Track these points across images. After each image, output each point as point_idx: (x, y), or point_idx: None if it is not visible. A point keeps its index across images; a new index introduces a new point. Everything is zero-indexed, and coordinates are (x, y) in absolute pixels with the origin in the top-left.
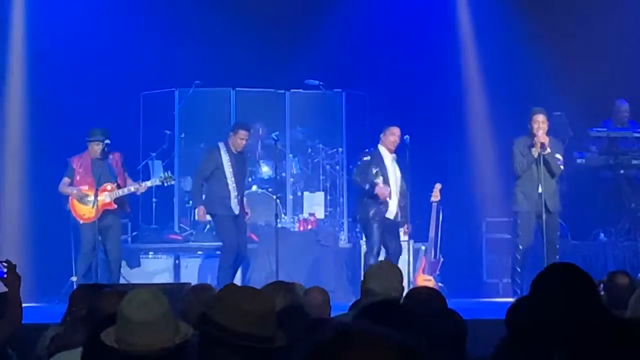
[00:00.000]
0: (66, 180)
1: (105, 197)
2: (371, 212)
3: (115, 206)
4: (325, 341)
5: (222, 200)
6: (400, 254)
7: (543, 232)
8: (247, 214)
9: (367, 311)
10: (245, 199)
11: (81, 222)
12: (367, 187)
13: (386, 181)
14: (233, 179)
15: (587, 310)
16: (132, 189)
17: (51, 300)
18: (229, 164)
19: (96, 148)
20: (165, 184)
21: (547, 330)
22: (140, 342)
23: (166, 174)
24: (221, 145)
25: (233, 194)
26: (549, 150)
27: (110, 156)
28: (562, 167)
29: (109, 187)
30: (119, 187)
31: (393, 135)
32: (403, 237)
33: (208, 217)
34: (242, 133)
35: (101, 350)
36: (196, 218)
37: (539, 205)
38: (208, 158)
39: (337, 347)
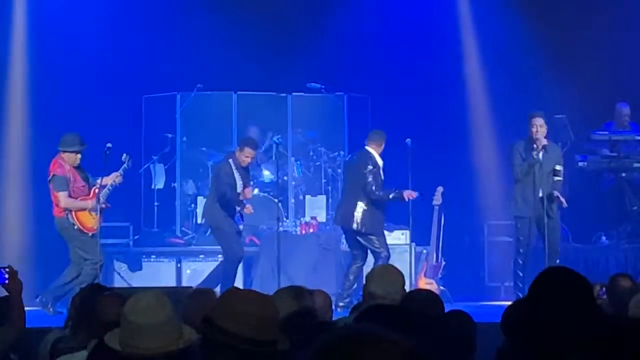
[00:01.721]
0: (65, 194)
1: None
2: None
3: (109, 206)
4: (334, 344)
5: (227, 217)
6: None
7: (544, 237)
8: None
9: (367, 314)
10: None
11: (90, 234)
12: (391, 196)
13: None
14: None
15: (584, 313)
16: (111, 182)
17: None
18: (240, 182)
19: (74, 158)
20: (127, 167)
21: (546, 334)
22: (144, 346)
23: (125, 155)
24: (231, 162)
25: (237, 208)
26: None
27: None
28: (561, 178)
29: (96, 191)
30: (102, 187)
31: (382, 146)
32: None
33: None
34: (249, 152)
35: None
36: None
37: (539, 209)
38: (225, 175)
39: (347, 350)
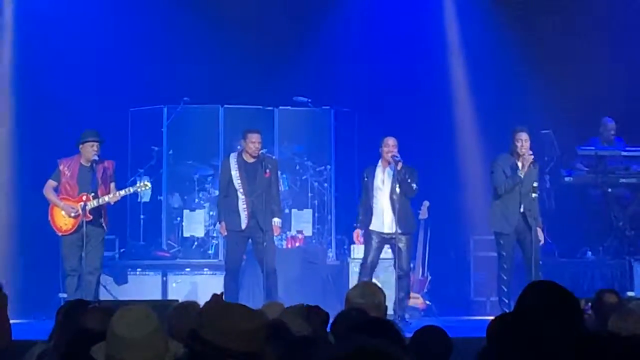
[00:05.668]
0: (52, 183)
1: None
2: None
3: (90, 217)
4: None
5: (231, 215)
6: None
7: (524, 251)
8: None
9: (355, 329)
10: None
11: (59, 234)
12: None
13: (372, 195)
14: (242, 191)
15: (571, 328)
16: (106, 199)
17: (38, 317)
18: (237, 175)
19: (90, 149)
20: (140, 191)
21: (531, 347)
22: (130, 359)
23: (141, 182)
24: (232, 155)
25: (242, 206)
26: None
27: (99, 165)
28: (537, 195)
29: (84, 198)
30: (94, 197)
31: (387, 146)
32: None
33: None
34: (254, 136)
35: None
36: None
37: (521, 223)
38: (221, 171)
39: None
